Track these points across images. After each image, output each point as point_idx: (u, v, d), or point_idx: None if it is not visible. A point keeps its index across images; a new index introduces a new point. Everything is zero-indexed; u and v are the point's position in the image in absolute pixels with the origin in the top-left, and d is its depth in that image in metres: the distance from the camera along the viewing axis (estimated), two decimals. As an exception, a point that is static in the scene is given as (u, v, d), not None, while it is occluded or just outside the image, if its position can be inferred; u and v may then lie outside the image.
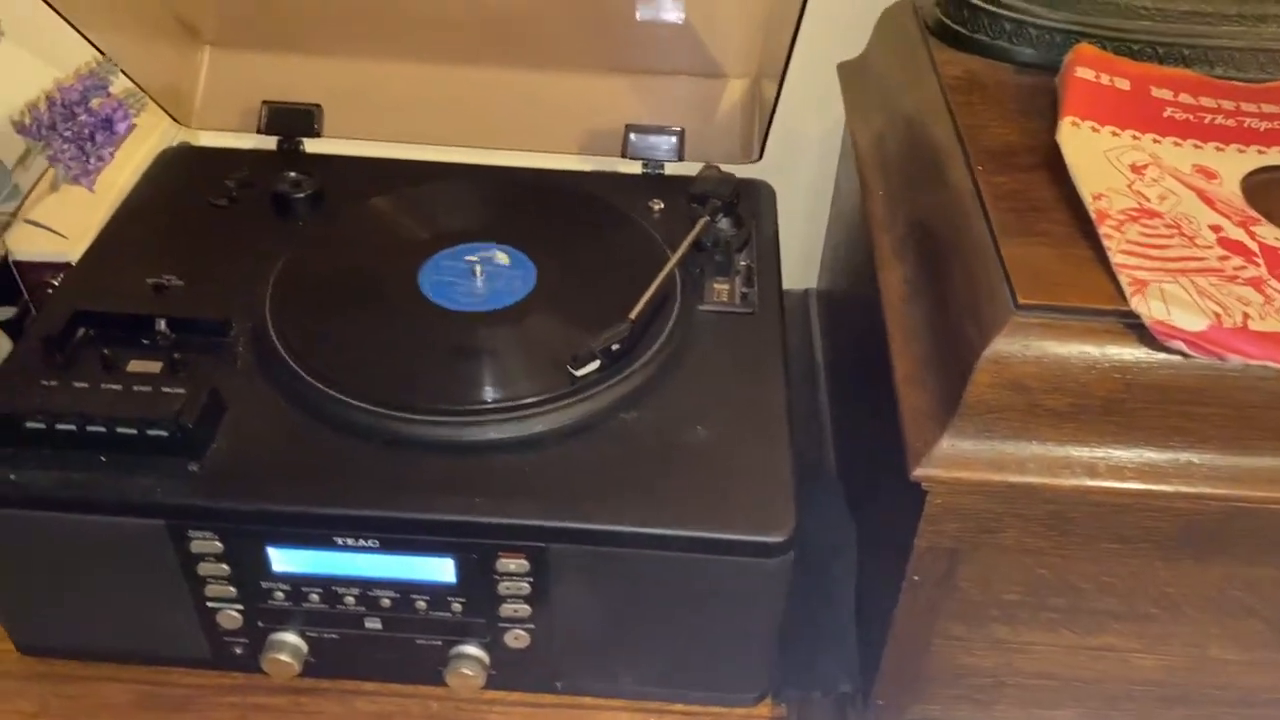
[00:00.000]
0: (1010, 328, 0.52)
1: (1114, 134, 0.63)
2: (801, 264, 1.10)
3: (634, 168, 0.93)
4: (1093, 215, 0.57)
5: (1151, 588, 0.60)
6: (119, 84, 0.74)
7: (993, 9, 0.72)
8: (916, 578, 0.60)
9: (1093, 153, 0.61)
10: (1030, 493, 0.55)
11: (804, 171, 1.04)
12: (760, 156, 0.91)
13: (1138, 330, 0.52)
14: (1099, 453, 0.54)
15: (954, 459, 0.54)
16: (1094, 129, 0.63)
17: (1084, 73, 0.66)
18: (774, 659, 0.71)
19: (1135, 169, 0.61)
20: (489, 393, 0.69)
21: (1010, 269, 0.54)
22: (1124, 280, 0.53)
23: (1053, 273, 0.54)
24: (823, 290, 1.01)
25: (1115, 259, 0.54)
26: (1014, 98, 0.69)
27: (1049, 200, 0.60)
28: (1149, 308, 0.51)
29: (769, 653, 0.70)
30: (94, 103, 0.70)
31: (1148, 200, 0.58)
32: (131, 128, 0.72)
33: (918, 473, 0.54)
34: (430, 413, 0.67)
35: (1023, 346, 0.52)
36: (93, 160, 0.70)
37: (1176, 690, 0.66)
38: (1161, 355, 0.52)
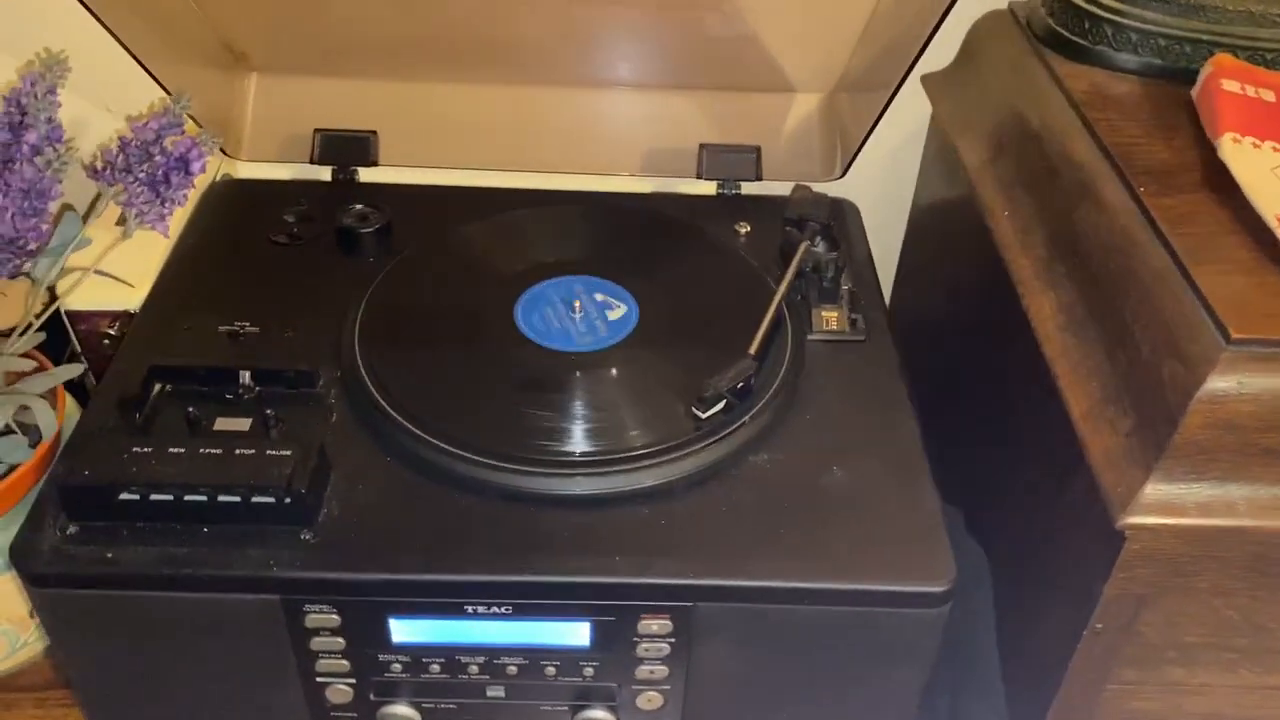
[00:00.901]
0: (1223, 365, 0.49)
1: (1275, 149, 0.60)
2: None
3: (698, 188, 0.90)
4: (1281, 239, 0.54)
5: (1341, 625, 0.58)
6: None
7: (1117, 19, 0.69)
8: (1099, 626, 0.57)
9: (1260, 170, 0.59)
10: (1236, 535, 0.52)
11: (871, 186, 1.01)
12: (844, 173, 0.87)
13: (1355, 361, 0.49)
14: (1315, 492, 0.51)
15: (1161, 505, 0.51)
16: (1255, 145, 0.60)
17: (1230, 85, 0.64)
18: (918, 709, 0.67)
19: (1306, 186, 0.58)
20: (615, 440, 0.64)
21: (1213, 301, 0.51)
22: (1334, 309, 0.50)
23: (1256, 303, 0.51)
24: (901, 307, 0.98)
25: (1319, 286, 0.51)
26: (1149, 112, 0.66)
27: (1225, 224, 0.57)
28: (1368, 338, 0.49)
29: (914, 703, 0.66)
30: (167, 142, 0.64)
31: (1329, 220, 0.56)
32: (205, 167, 0.66)
33: (1125, 521, 0.51)
34: (556, 465, 0.63)
35: (1237, 384, 0.49)
36: (167, 203, 0.65)
37: (1349, 725, 0.64)
38: (1378, 386, 0.49)
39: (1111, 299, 0.57)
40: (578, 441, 0.64)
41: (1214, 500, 0.51)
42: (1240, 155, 0.59)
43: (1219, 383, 0.49)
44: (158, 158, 0.64)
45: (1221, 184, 0.59)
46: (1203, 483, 0.51)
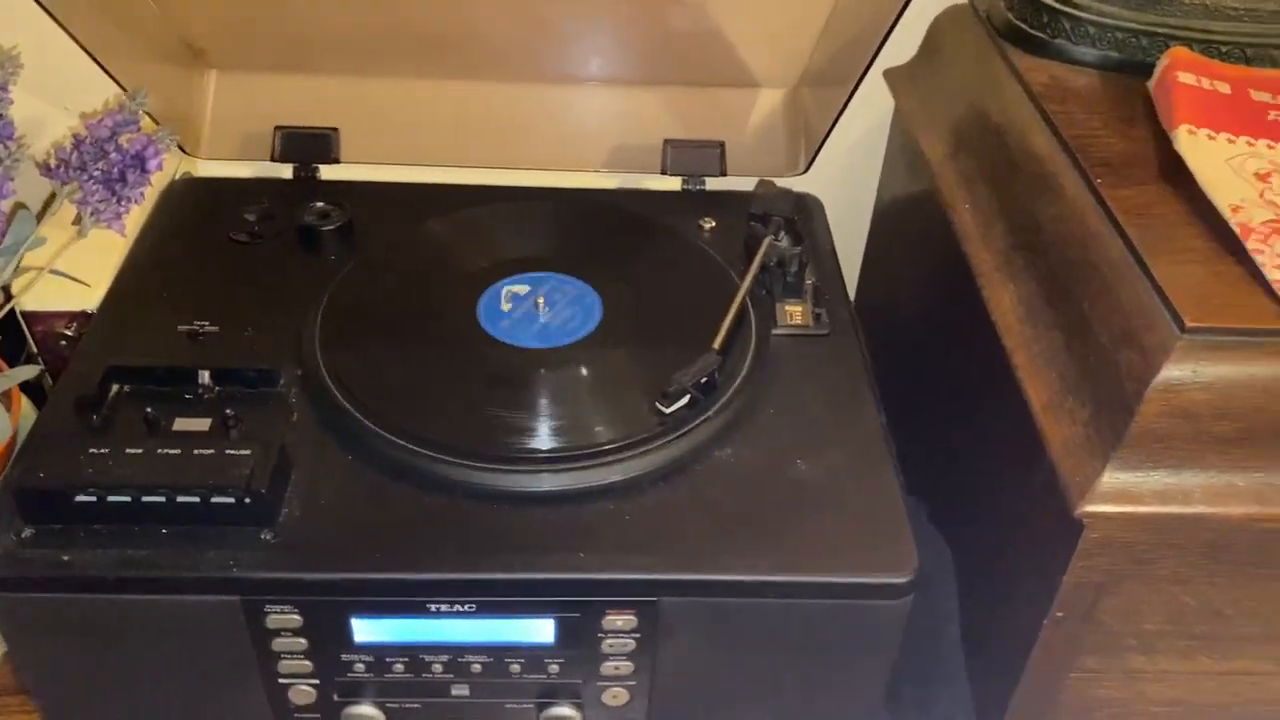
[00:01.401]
0: (1178, 353, 0.50)
1: (1229, 141, 0.61)
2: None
3: (663, 183, 0.89)
4: (1235, 229, 0.54)
5: (1296, 610, 0.58)
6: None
7: (1074, 12, 0.69)
8: (1060, 614, 0.57)
9: (1215, 162, 0.59)
10: (1192, 522, 0.52)
11: (835, 180, 1.01)
12: (808, 168, 0.87)
13: (1309, 349, 0.50)
14: (1269, 478, 0.52)
15: (1118, 493, 0.51)
16: (1210, 136, 0.61)
17: (1186, 77, 0.64)
18: (883, 700, 0.67)
19: (1261, 177, 0.58)
20: (579, 436, 0.64)
21: (1168, 290, 0.51)
22: (1287, 298, 0.51)
23: (1211, 292, 0.52)
24: (864, 301, 0.98)
25: (1272, 275, 0.52)
26: (1108, 104, 0.67)
27: (1181, 214, 0.57)
28: (1320, 326, 0.49)
29: (879, 694, 0.67)
30: (123, 139, 0.64)
31: (1283, 210, 0.56)
32: (162, 165, 0.65)
33: (1083, 510, 0.51)
34: (520, 462, 0.62)
35: (1192, 372, 0.50)
36: (124, 202, 0.64)
37: (1307, 709, 0.64)
38: (1331, 374, 0.50)
39: (1070, 290, 0.58)
40: (541, 438, 0.64)
41: (1170, 488, 0.52)
42: (1196, 147, 0.60)
43: (1174, 371, 0.50)
44: (113, 155, 0.63)
45: (1178, 175, 0.59)
46: (1159, 471, 0.52)
